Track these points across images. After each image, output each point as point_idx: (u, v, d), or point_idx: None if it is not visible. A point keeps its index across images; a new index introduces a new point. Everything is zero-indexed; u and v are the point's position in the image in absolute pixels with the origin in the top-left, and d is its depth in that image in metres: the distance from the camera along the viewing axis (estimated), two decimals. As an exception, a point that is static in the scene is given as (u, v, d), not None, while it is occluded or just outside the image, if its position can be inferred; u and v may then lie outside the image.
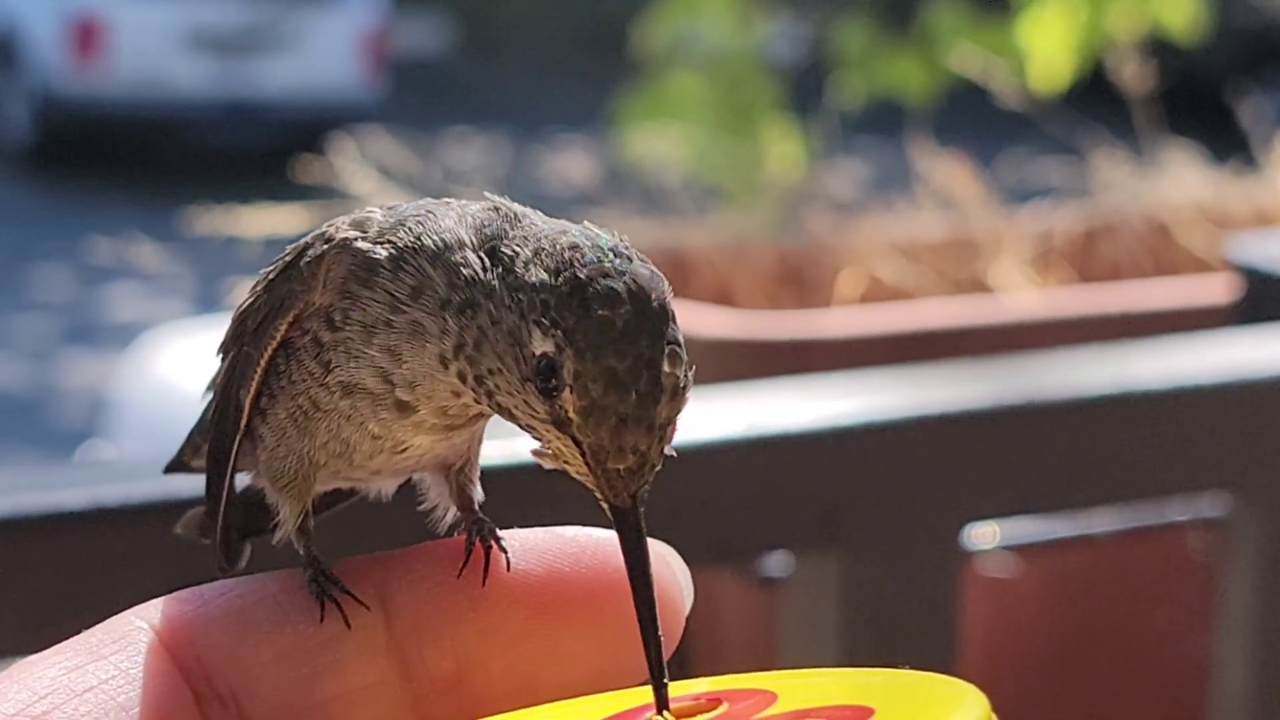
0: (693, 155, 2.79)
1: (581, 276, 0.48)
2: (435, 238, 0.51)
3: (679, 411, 0.49)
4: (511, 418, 0.51)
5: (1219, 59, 8.74)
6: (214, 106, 9.95)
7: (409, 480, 0.57)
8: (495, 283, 0.50)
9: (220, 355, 0.57)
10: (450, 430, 0.53)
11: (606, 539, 0.51)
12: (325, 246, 0.53)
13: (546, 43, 13.20)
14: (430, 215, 0.52)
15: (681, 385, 0.49)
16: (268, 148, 9.57)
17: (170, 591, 0.51)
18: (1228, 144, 2.76)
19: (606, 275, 0.48)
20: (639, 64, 3.16)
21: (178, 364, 3.24)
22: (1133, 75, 2.47)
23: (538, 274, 0.49)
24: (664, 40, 3.07)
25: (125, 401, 3.47)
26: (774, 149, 2.85)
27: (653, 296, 0.49)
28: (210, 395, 0.59)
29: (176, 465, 0.63)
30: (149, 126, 10.00)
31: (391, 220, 0.52)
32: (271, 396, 0.54)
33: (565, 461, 0.50)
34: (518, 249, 0.50)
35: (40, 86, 9.88)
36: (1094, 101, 2.80)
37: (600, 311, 0.48)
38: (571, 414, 0.48)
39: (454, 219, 0.52)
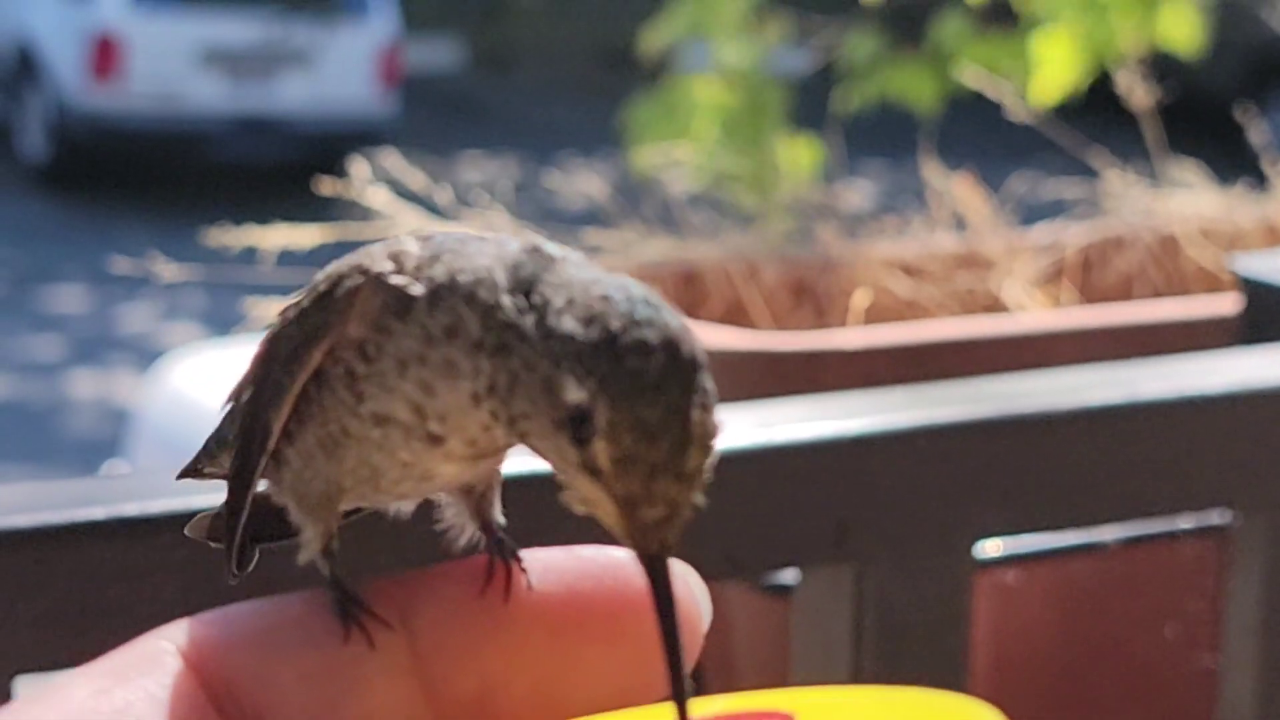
0: (704, 168, 2.79)
1: (614, 327, 0.49)
2: (470, 276, 0.52)
3: (708, 460, 0.49)
4: (544, 458, 0.51)
5: (1226, 75, 8.72)
6: (230, 123, 9.98)
7: (428, 499, 0.58)
8: (529, 328, 0.50)
9: (247, 375, 0.57)
10: (478, 459, 0.54)
11: (626, 557, 0.51)
12: (361, 278, 0.53)
13: (559, 62, 13.21)
14: (466, 252, 0.52)
15: (710, 435, 0.49)
16: (283, 165, 9.59)
17: (187, 601, 0.52)
18: (1236, 161, 2.76)
19: (638, 325, 0.49)
20: (650, 79, 3.17)
21: (198, 384, 3.25)
22: (1140, 92, 2.48)
23: (570, 323, 0.49)
24: (670, 50, 3.08)
25: (146, 421, 3.48)
26: (785, 162, 2.85)
27: (683, 347, 0.49)
28: (230, 408, 0.59)
29: (190, 472, 0.64)
30: (165, 143, 10.02)
31: (427, 254, 0.53)
32: (300, 422, 0.55)
33: (595, 508, 0.50)
34: (551, 296, 0.50)
35: (57, 103, 9.91)
36: (1103, 119, 2.80)
37: (632, 361, 0.48)
38: (603, 463, 0.49)
39: (490, 257, 0.52)
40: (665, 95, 2.97)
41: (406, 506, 0.59)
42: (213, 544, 0.62)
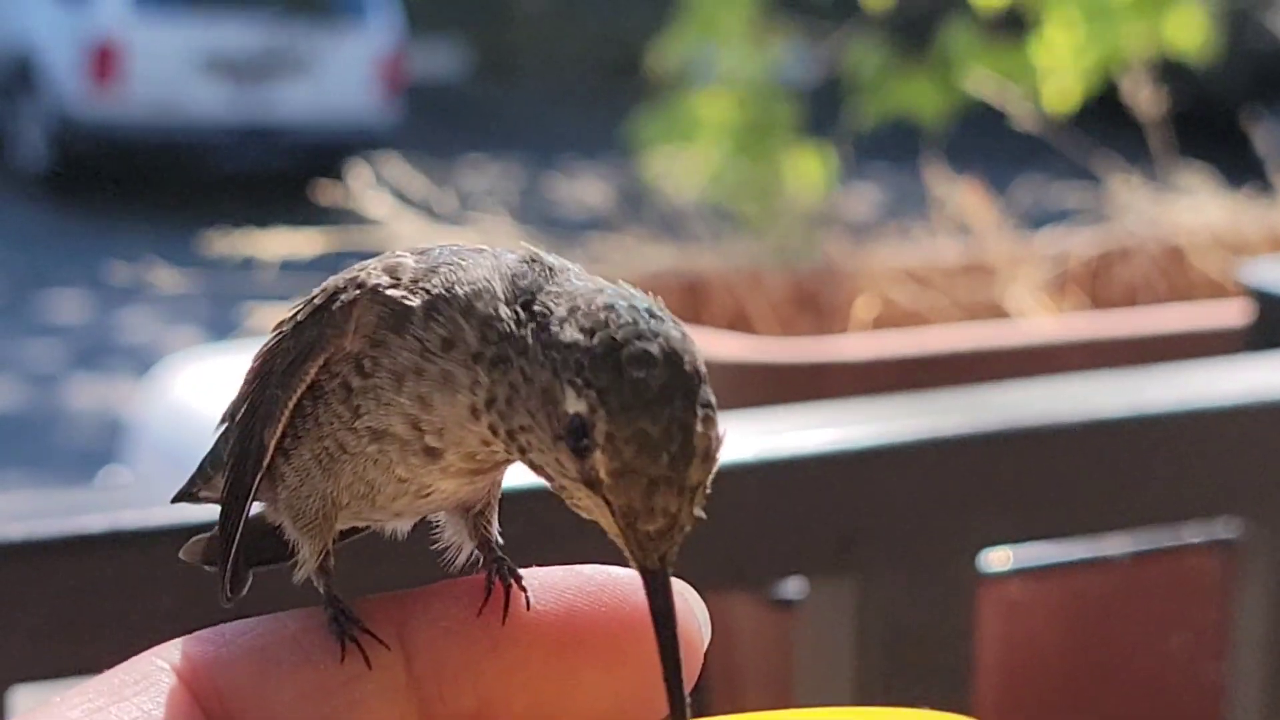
0: (709, 178, 2.79)
1: (616, 338, 0.48)
2: (468, 288, 0.51)
3: (710, 474, 0.49)
4: (543, 474, 0.50)
5: (1232, 82, 8.73)
6: (231, 131, 9.98)
7: (425, 518, 0.57)
8: (528, 339, 0.50)
9: (242, 392, 0.57)
10: (475, 475, 0.53)
11: (625, 576, 0.51)
12: (357, 292, 0.52)
13: (562, 68, 13.23)
14: (463, 264, 0.52)
15: (713, 448, 0.48)
16: (284, 172, 9.60)
17: (184, 614, 0.51)
18: (1242, 168, 2.76)
19: (641, 337, 0.48)
20: (655, 87, 3.17)
21: (196, 390, 3.24)
22: (1147, 99, 2.47)
23: (571, 333, 0.49)
24: (678, 61, 3.08)
25: (144, 427, 3.48)
26: (791, 172, 2.85)
27: (685, 359, 0.48)
28: (225, 428, 0.58)
29: (184, 496, 0.63)
30: (166, 151, 10.03)
31: (424, 267, 0.52)
32: (296, 437, 0.54)
33: (595, 520, 0.50)
34: (552, 306, 0.50)
35: (57, 111, 9.91)
36: (1109, 126, 2.80)
37: (634, 373, 0.48)
38: (603, 475, 0.48)
39: (487, 269, 0.51)
40: (672, 108, 2.97)
41: (404, 526, 0.58)
42: (207, 568, 0.61)
